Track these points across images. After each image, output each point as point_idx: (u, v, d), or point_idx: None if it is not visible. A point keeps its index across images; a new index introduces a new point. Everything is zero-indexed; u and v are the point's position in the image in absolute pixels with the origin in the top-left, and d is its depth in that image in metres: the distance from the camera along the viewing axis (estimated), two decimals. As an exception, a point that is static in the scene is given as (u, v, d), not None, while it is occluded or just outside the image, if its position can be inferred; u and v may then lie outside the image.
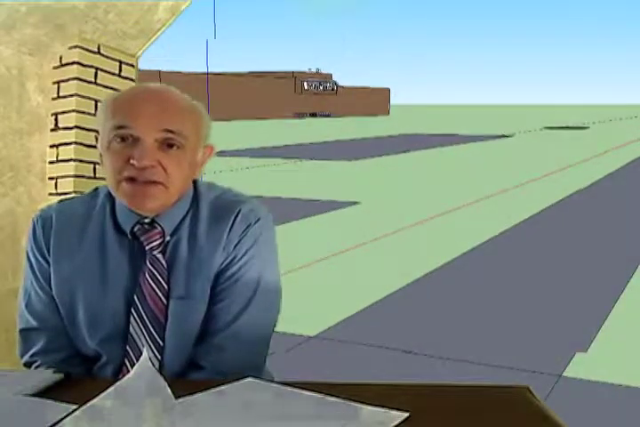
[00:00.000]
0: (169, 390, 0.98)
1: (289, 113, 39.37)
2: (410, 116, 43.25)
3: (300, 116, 39.87)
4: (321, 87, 43.19)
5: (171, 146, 1.19)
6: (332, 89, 44.13)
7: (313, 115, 41.37)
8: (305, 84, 41.87)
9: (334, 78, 45.56)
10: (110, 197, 1.28)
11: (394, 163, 13.74)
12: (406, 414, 0.95)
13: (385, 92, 48.79)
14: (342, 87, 45.28)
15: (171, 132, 1.18)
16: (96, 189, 1.33)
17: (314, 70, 44.99)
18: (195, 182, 1.30)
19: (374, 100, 46.54)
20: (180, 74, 33.79)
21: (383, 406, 0.97)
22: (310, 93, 42.24)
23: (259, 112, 36.17)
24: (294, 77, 41.65)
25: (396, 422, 0.94)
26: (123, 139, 1.18)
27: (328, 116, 41.70)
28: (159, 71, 31.80)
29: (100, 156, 1.24)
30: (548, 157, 14.35)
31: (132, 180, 1.17)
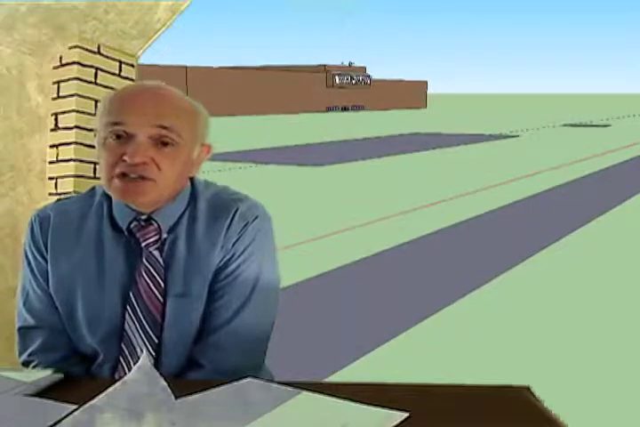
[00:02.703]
0: (169, 390, 0.97)
1: (320, 107, 38.70)
2: (442, 110, 41.62)
3: (332, 110, 39.10)
4: (353, 81, 42.07)
5: (165, 144, 1.19)
6: (365, 82, 43.13)
7: (345, 109, 40.46)
8: (336, 77, 40.94)
9: (369, 72, 44.40)
10: (107, 196, 1.28)
11: (353, 171, 11.79)
12: (406, 415, 0.95)
13: (422, 85, 47.62)
14: (377, 80, 44.20)
15: (164, 128, 1.18)
16: (93, 188, 1.34)
17: (347, 64, 44.22)
18: (192, 180, 1.30)
19: (410, 94, 45.41)
20: (207, 69, 33.29)
21: (383, 406, 0.97)
22: (342, 87, 41.19)
23: (289, 107, 35.56)
24: (326, 71, 40.86)
25: (396, 422, 0.94)
26: (118, 136, 1.18)
27: (361, 109, 40.86)
28: (185, 67, 31.36)
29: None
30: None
31: (123, 175, 1.18)
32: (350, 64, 44.38)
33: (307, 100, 37.26)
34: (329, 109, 39.02)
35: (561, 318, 4.19)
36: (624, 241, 6.24)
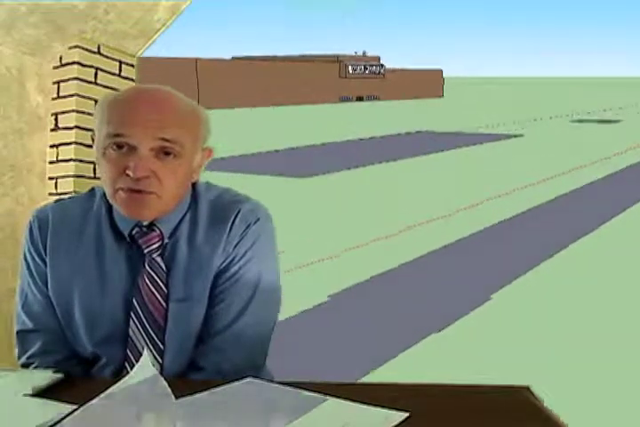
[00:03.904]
0: (169, 391, 0.97)
1: (334, 98, 38.14)
2: (457, 99, 40.36)
3: (345, 100, 38.51)
4: (367, 71, 41.14)
5: (167, 153, 1.18)
6: (379, 72, 42.16)
7: (359, 99, 39.65)
8: (350, 67, 40.24)
9: (383, 61, 43.31)
10: (107, 199, 1.27)
11: (347, 180, 10.51)
12: (406, 415, 0.95)
13: (437, 75, 46.50)
14: (391, 70, 43.23)
15: (167, 141, 1.17)
16: (92, 189, 1.33)
17: (360, 53, 43.78)
18: (193, 183, 1.29)
19: (426, 83, 44.43)
20: (218, 61, 32.87)
21: (383, 406, 0.97)
22: (355, 77, 40.26)
23: (301, 98, 34.91)
24: (339, 61, 40.20)
25: (396, 422, 0.94)
26: (119, 146, 1.17)
27: (376, 99, 40.23)
28: (196, 59, 31.03)
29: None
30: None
31: (127, 189, 1.17)
32: (364, 54, 43.95)
33: (320, 90, 36.70)
34: (342, 100, 38.44)
35: (561, 317, 4.19)
36: (628, 246, 6.22)
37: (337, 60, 40.30)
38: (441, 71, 47.28)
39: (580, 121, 22.28)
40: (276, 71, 34.60)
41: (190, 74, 28.15)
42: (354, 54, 43.51)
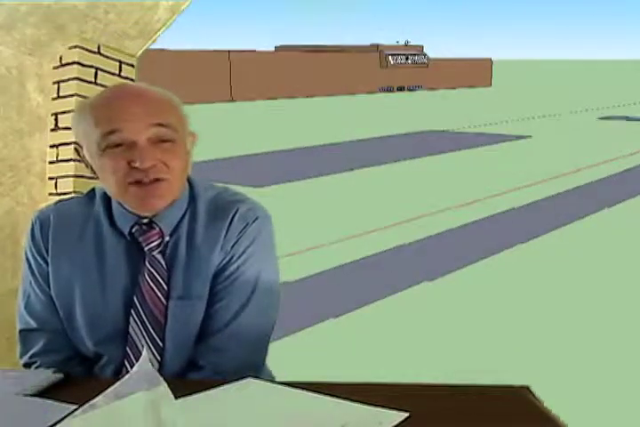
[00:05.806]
0: (169, 390, 0.97)
1: (374, 88, 37.18)
2: (504, 87, 39.69)
3: (386, 90, 37.81)
4: (409, 61, 40.32)
5: (164, 141, 1.19)
6: (422, 62, 41.26)
7: (401, 89, 39.07)
8: (390, 57, 39.49)
9: (426, 50, 42.38)
10: (106, 198, 1.28)
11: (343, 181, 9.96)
12: (406, 414, 0.96)
13: (486, 63, 45.02)
14: (436, 60, 42.25)
15: (161, 126, 1.18)
16: (92, 189, 1.34)
17: (402, 43, 43.05)
18: (191, 182, 1.30)
19: (473, 72, 43.19)
20: (251, 52, 32.33)
21: (383, 406, 0.97)
22: (397, 67, 39.38)
23: (338, 88, 34.29)
24: (379, 51, 39.19)
25: (396, 422, 0.94)
26: (116, 145, 1.17)
27: (419, 89, 39.49)
28: (229, 51, 30.56)
29: (87, 166, 1.24)
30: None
31: (138, 182, 1.18)
32: (407, 43, 43.13)
33: (359, 81, 35.92)
34: (381, 90, 37.79)
35: (561, 317, 4.19)
36: (628, 238, 6.20)
37: (377, 49, 39.45)
38: (490, 60, 45.51)
39: (605, 118, 21.04)
40: (312, 62, 33.72)
41: (223, 66, 27.69)
42: (396, 44, 42.56)
